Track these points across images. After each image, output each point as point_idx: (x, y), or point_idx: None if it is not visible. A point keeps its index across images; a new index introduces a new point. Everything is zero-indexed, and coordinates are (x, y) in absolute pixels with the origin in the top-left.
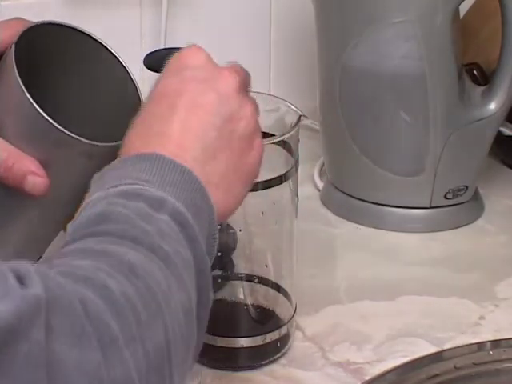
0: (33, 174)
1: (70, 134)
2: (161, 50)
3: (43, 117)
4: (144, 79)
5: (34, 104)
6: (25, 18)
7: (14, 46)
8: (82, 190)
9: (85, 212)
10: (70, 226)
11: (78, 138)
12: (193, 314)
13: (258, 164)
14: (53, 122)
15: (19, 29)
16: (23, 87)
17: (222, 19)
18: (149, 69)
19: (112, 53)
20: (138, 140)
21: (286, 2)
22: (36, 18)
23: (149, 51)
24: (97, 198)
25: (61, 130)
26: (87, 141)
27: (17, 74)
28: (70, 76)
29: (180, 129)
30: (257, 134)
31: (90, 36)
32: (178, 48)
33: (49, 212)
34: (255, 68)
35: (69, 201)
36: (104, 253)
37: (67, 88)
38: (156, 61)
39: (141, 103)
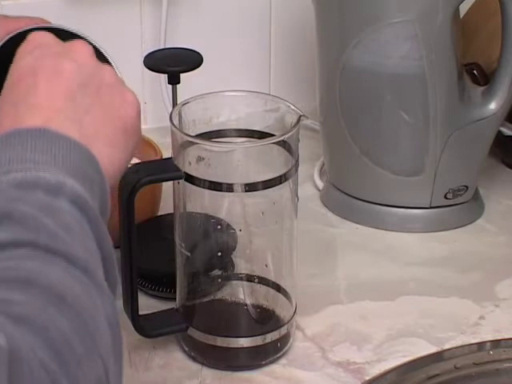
0: None
1: None
2: (161, 50)
3: None
4: (144, 79)
5: None
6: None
7: None
8: None
9: None
10: None
11: None
12: (118, 323)
13: (136, 117)
14: None
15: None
16: None
17: (222, 19)
18: (149, 69)
19: (102, 53)
20: (9, 119)
21: (286, 1)
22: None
23: (149, 51)
24: None
25: None
26: None
27: None
28: None
29: (46, 96)
30: (125, 89)
31: (80, 35)
32: (178, 48)
33: None
34: (255, 68)
35: None
36: (27, 281)
37: None
38: (156, 61)
39: None
